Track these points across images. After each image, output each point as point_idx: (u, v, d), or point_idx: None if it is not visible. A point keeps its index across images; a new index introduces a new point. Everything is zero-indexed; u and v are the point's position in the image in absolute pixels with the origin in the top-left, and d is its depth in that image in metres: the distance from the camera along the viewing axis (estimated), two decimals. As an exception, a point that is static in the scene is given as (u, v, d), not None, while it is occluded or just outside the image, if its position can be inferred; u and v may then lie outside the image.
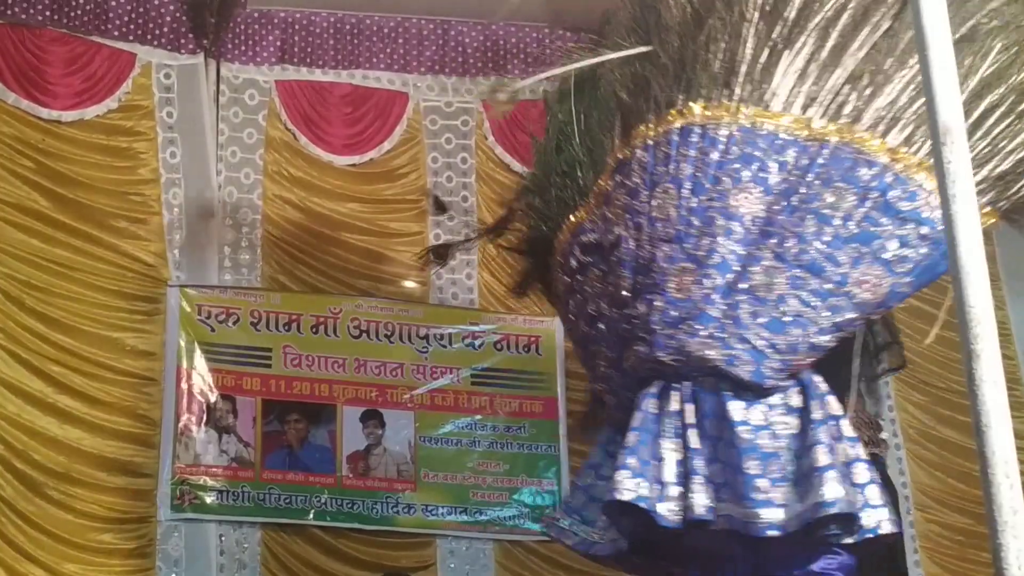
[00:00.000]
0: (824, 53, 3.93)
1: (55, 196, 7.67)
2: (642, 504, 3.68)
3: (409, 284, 8.31)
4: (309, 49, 8.36)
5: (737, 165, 3.86)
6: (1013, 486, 2.29)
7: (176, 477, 7.47)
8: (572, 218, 4.35)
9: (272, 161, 8.18)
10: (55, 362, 7.44)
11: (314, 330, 7.88)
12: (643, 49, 4.22)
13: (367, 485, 7.77)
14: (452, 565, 7.80)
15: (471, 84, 8.62)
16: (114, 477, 7.39)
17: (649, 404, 3.83)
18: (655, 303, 3.83)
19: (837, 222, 3.77)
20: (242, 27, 8.27)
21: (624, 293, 3.96)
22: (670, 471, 3.72)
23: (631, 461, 3.72)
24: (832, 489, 3.53)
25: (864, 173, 3.82)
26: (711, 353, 3.71)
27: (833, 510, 3.53)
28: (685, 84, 4.01)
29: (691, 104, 3.96)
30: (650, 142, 4.02)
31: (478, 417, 8.03)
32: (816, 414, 3.70)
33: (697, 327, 3.75)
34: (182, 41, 8.12)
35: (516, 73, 8.65)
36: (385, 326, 8.00)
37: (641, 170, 4.01)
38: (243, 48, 8.27)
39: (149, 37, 8.05)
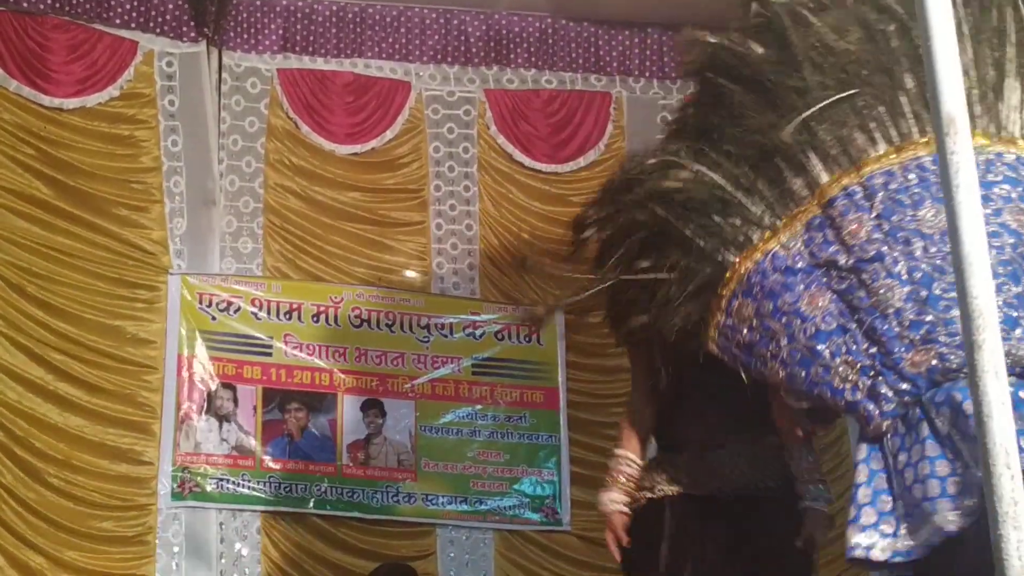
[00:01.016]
0: None
1: (56, 184, 7.66)
2: None
3: (410, 274, 8.31)
4: (311, 38, 8.35)
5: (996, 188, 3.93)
6: (1014, 477, 2.29)
7: (177, 465, 7.48)
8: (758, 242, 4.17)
9: (274, 150, 8.17)
10: (56, 349, 7.44)
11: (315, 319, 7.89)
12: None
13: (367, 474, 7.78)
14: (452, 554, 7.81)
15: (473, 73, 8.62)
16: (114, 465, 7.40)
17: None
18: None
19: None
20: (244, 15, 8.26)
21: (900, 303, 3.83)
22: None
23: None
24: None
25: None
26: None
27: None
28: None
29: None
30: (907, 163, 4.00)
31: (479, 407, 8.04)
32: None
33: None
34: (184, 29, 8.10)
35: (518, 63, 8.66)
36: (386, 315, 8.00)
37: (896, 192, 3.97)
38: (245, 36, 8.26)
39: (151, 25, 8.03)
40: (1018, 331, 3.65)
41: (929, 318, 3.73)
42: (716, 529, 4.32)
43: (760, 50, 4.18)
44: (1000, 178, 3.94)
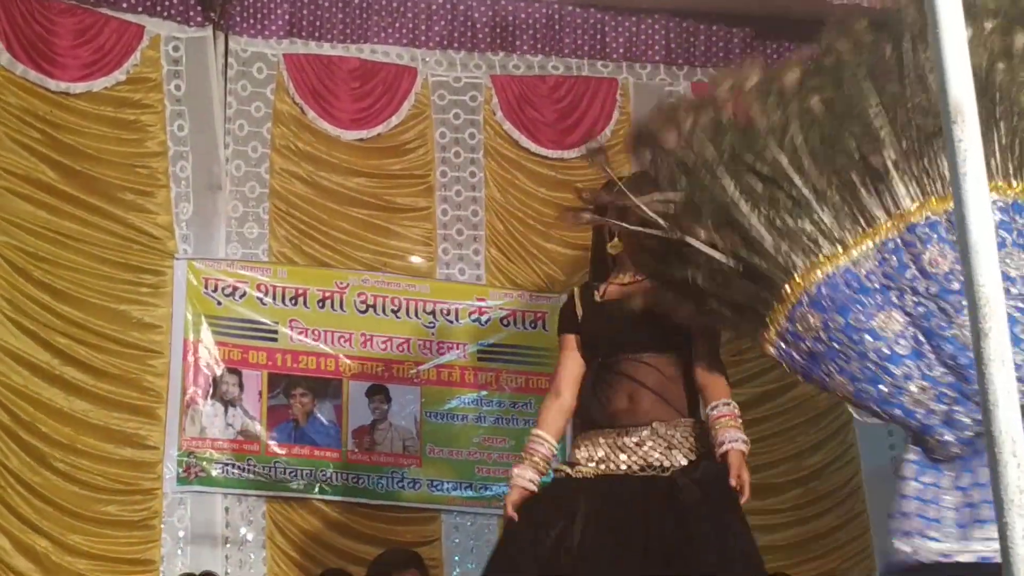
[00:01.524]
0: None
1: (62, 168, 7.67)
2: None
3: (416, 259, 8.31)
4: (318, 23, 8.34)
5: None
6: (1020, 465, 2.29)
7: (182, 450, 7.49)
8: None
9: (280, 135, 8.17)
10: (61, 334, 7.45)
11: (320, 304, 7.89)
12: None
13: (372, 460, 7.79)
14: (456, 540, 7.82)
15: (480, 59, 8.61)
16: (120, 449, 7.41)
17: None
18: None
19: None
20: (250, 0, 8.25)
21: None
22: None
23: None
24: None
25: None
26: None
27: None
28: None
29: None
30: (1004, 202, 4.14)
31: (484, 393, 8.04)
32: None
33: None
34: (191, 14, 8.09)
35: (525, 49, 8.65)
36: (392, 301, 8.00)
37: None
38: (251, 21, 8.25)
39: (158, 9, 8.02)
40: None
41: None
42: (623, 508, 4.32)
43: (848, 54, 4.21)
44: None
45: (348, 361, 7.86)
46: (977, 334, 2.36)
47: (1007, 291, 3.84)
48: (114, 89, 7.89)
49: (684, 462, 4.40)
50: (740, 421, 4.47)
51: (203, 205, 7.93)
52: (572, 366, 4.72)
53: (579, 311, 4.76)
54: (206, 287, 7.73)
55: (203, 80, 8.08)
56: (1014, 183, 4.14)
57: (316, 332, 7.84)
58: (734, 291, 4.25)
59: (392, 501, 7.76)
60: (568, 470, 4.51)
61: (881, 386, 4.08)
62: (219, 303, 7.74)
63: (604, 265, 4.85)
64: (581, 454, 4.53)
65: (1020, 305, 4.04)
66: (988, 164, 3.95)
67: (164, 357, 7.60)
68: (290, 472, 7.61)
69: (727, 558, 4.23)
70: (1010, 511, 2.27)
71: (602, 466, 4.44)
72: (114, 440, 7.41)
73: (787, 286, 4.15)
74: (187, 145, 7.96)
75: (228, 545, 7.52)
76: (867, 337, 4.09)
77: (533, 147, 8.52)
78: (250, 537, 7.56)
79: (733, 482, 4.32)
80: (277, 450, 7.64)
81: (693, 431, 4.48)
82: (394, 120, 8.36)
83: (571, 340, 4.76)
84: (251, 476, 7.58)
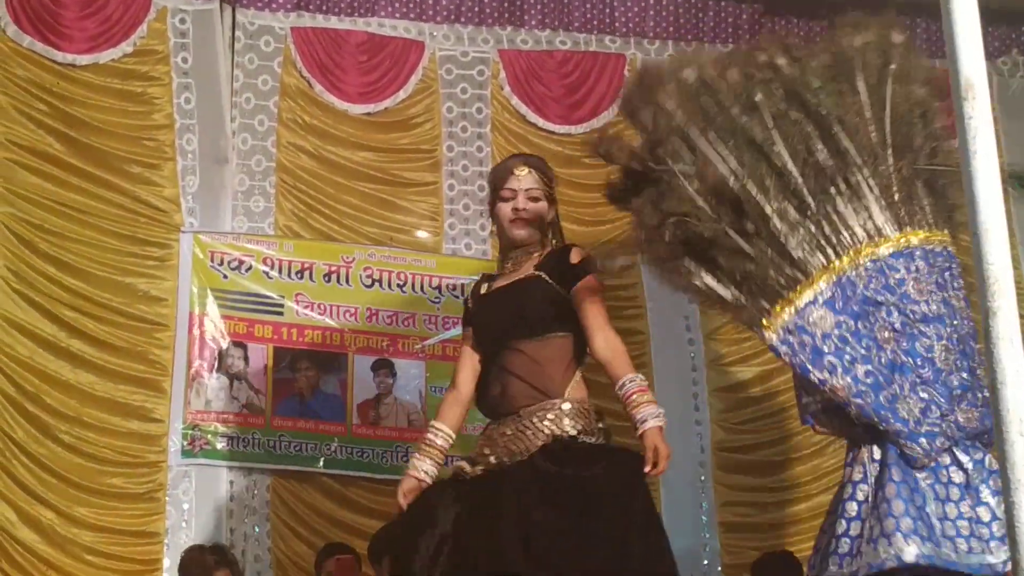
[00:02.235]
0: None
1: (69, 140, 7.65)
2: None
3: (422, 234, 8.29)
4: (325, -4, 8.32)
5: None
6: (1027, 443, 2.29)
7: (187, 423, 7.49)
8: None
9: (287, 108, 8.15)
10: (67, 306, 7.45)
11: (326, 279, 7.88)
12: None
13: (377, 434, 7.79)
14: (461, 515, 7.81)
15: (487, 34, 8.59)
16: (125, 421, 7.41)
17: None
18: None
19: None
20: (258, -28, 8.23)
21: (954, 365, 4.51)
22: None
23: None
24: None
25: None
26: None
27: None
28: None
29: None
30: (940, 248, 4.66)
31: (489, 368, 8.02)
32: None
33: None
34: (198, -14, 8.08)
35: (533, 24, 8.62)
36: (398, 276, 8.00)
37: (942, 266, 4.65)
38: (259, -6, 8.23)
39: (165, -19, 8.01)
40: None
41: (974, 383, 4.47)
42: (496, 503, 4.24)
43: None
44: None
45: (353, 335, 7.85)
46: (986, 312, 2.35)
47: (894, 329, 4.43)
48: (121, 61, 7.87)
49: (545, 441, 4.35)
50: (649, 394, 4.38)
51: (209, 178, 7.92)
52: (466, 359, 4.78)
53: (471, 304, 4.83)
54: (212, 260, 7.73)
55: (210, 53, 8.06)
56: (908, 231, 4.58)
57: (322, 306, 7.83)
58: (751, 274, 4.40)
59: (396, 475, 7.65)
60: (466, 467, 4.51)
61: (881, 394, 4.39)
62: (225, 276, 7.74)
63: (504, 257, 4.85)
64: (476, 450, 4.57)
65: (905, 346, 4.45)
66: (885, 217, 4.52)
67: (170, 330, 7.59)
68: (295, 446, 7.61)
69: (622, 555, 4.13)
70: (1018, 490, 2.27)
71: (491, 459, 4.45)
72: (119, 412, 7.41)
73: (802, 283, 4.44)
74: (194, 118, 7.95)
75: (232, 518, 7.52)
76: (873, 346, 4.42)
77: (540, 122, 8.50)
78: (254, 510, 7.56)
79: (648, 462, 4.23)
80: (282, 424, 7.64)
81: (566, 412, 4.42)
82: (401, 94, 8.34)
83: (468, 333, 4.83)
84: (256, 449, 7.58)
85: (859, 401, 4.39)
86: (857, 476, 4.54)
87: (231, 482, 7.59)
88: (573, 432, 4.39)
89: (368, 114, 8.29)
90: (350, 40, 8.34)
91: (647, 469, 4.23)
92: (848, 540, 4.45)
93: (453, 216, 8.30)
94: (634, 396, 4.34)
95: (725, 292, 4.50)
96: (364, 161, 8.20)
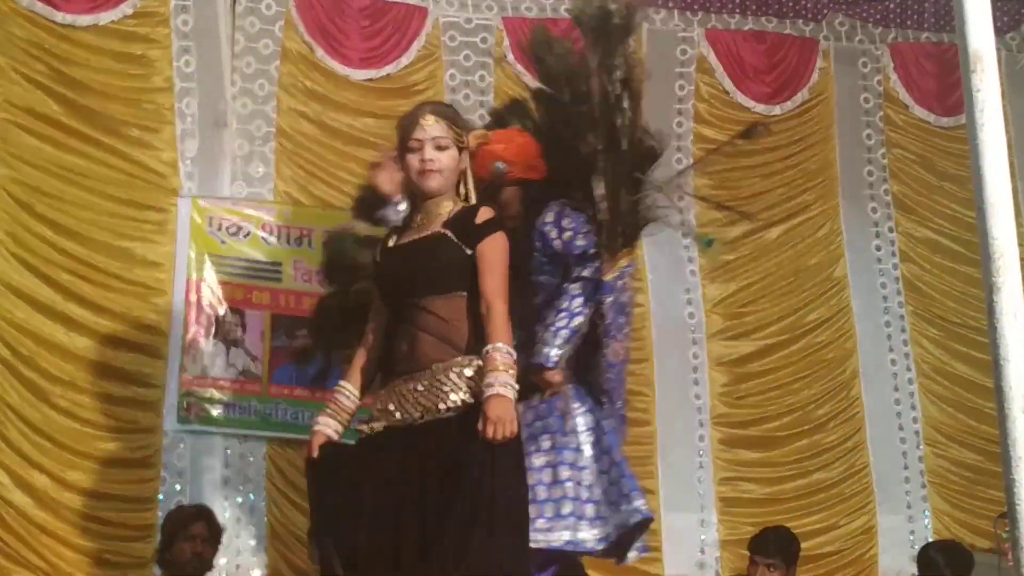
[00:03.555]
0: None
1: (68, 102, 7.60)
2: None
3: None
4: (328, -41, 8.26)
5: None
6: (1029, 421, 2.25)
7: (183, 389, 7.46)
8: None
9: (287, 73, 8.09)
10: (64, 270, 7.41)
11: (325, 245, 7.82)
12: None
13: (374, 403, 7.76)
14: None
15: (491, 0, 8.52)
16: (121, 387, 7.38)
17: None
18: None
19: None
20: (260, -65, 8.16)
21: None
22: None
23: None
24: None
25: None
26: None
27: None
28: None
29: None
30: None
31: (488, 334, 7.99)
32: None
33: None
34: (199, -53, 8.02)
35: (538, -9, 8.58)
36: (397, 243, 7.94)
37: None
38: (261, -43, 8.17)
39: (166, -58, 7.95)
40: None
41: None
42: (400, 463, 4.22)
43: None
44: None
45: (352, 303, 7.81)
46: (990, 288, 2.32)
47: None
48: (121, 23, 7.80)
49: (459, 402, 4.24)
50: (508, 361, 4.17)
51: (208, 142, 7.86)
52: (375, 315, 4.65)
53: (377, 258, 4.67)
54: (210, 225, 7.68)
55: (211, 16, 8.00)
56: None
57: (320, 273, 7.78)
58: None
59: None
60: (364, 427, 4.44)
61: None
62: (223, 242, 7.69)
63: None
64: (377, 407, 4.46)
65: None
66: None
67: (167, 295, 7.56)
68: (291, 413, 7.59)
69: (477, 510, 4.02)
70: (1018, 467, 2.25)
71: (396, 415, 4.34)
72: (115, 378, 7.37)
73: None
74: (194, 81, 7.89)
75: (227, 485, 7.51)
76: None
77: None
78: (250, 477, 7.55)
79: (481, 429, 4.05)
80: (279, 391, 7.61)
81: (475, 369, 4.26)
82: (404, 60, 8.28)
83: (377, 289, 4.71)
84: (252, 416, 7.55)
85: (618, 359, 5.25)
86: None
87: (227, 449, 7.57)
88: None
89: (370, 80, 8.24)
90: (353, 4, 8.27)
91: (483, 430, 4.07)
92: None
93: (454, 184, 8.24)
94: (489, 363, 4.17)
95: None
96: (365, 128, 8.14)
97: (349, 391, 4.59)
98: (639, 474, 7.91)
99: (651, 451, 8.10)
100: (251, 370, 7.60)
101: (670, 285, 8.38)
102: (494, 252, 4.39)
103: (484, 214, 4.45)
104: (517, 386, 4.17)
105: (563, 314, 5.07)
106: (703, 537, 8.11)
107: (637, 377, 8.07)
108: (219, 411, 7.52)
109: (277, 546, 7.45)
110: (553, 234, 5.21)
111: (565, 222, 5.22)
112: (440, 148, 4.51)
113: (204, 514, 6.65)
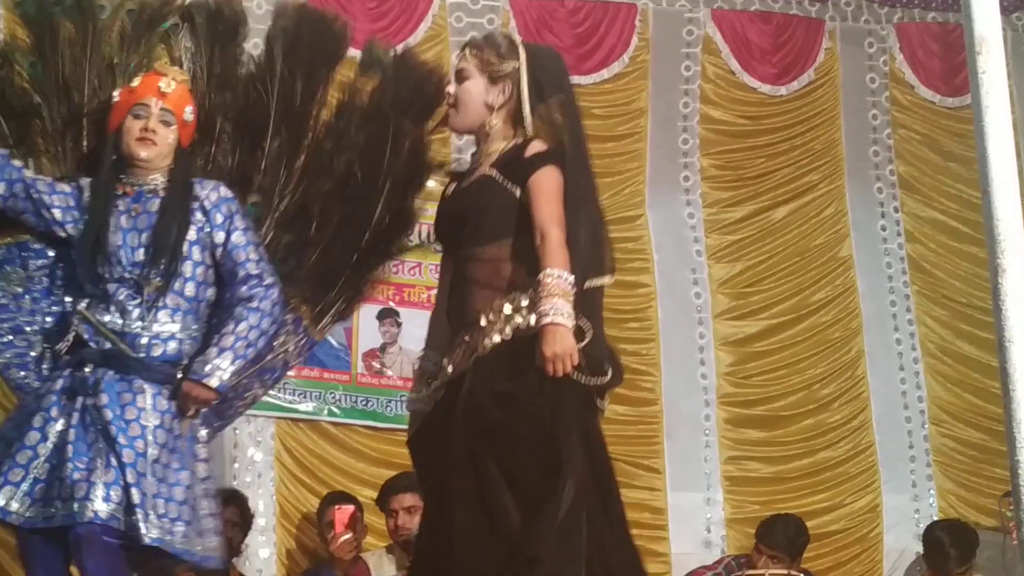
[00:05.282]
0: None
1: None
2: None
3: (431, 183, 8.23)
4: (335, -59, 8.24)
5: None
6: (1033, 404, 2.27)
7: (191, 368, 7.46)
8: None
9: (295, 55, 8.07)
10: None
11: (333, 227, 7.84)
12: None
13: (381, 383, 7.78)
14: (464, 464, 7.82)
15: (499, -18, 8.52)
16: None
17: None
18: None
19: None
20: (267, -85, 8.15)
21: None
22: None
23: None
24: None
25: None
26: None
27: None
28: None
29: None
30: None
31: (495, 317, 8.00)
32: None
33: None
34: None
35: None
36: (405, 224, 7.95)
37: None
38: (264, -65, 8.15)
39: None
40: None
41: None
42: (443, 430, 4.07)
43: None
44: None
45: (359, 284, 7.82)
46: (995, 269, 2.33)
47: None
48: None
49: (498, 341, 4.00)
50: (565, 288, 3.88)
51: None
52: (444, 270, 4.45)
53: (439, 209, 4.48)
54: (218, 207, 7.68)
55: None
56: None
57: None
58: None
59: (401, 424, 7.64)
60: (423, 407, 4.28)
61: None
62: (231, 223, 7.69)
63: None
64: (437, 366, 4.26)
65: None
66: None
67: (177, 273, 7.55)
68: (299, 394, 7.61)
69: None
70: (1023, 448, 2.25)
71: (449, 369, 4.12)
72: (124, 357, 7.37)
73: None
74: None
75: (236, 466, 7.52)
76: None
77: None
78: (258, 458, 7.56)
79: (540, 365, 3.83)
80: (287, 372, 7.61)
81: (515, 305, 4.01)
82: (411, 41, 8.24)
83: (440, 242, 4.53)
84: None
85: None
86: None
87: (235, 430, 7.55)
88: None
89: (377, 61, 8.21)
90: (359, -15, 8.26)
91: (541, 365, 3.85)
92: None
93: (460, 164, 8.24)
94: (541, 289, 3.89)
95: None
96: (372, 109, 8.13)
97: (433, 357, 4.30)
98: (646, 453, 8.03)
99: (657, 430, 8.12)
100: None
101: (676, 265, 8.38)
102: (548, 182, 4.05)
103: (534, 147, 4.12)
104: (574, 315, 3.86)
105: (241, 341, 4.42)
106: (709, 515, 8.12)
107: (643, 357, 8.10)
108: (228, 391, 7.53)
109: (286, 525, 7.48)
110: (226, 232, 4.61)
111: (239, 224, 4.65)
112: (462, 80, 4.27)
113: (236, 499, 6.66)
